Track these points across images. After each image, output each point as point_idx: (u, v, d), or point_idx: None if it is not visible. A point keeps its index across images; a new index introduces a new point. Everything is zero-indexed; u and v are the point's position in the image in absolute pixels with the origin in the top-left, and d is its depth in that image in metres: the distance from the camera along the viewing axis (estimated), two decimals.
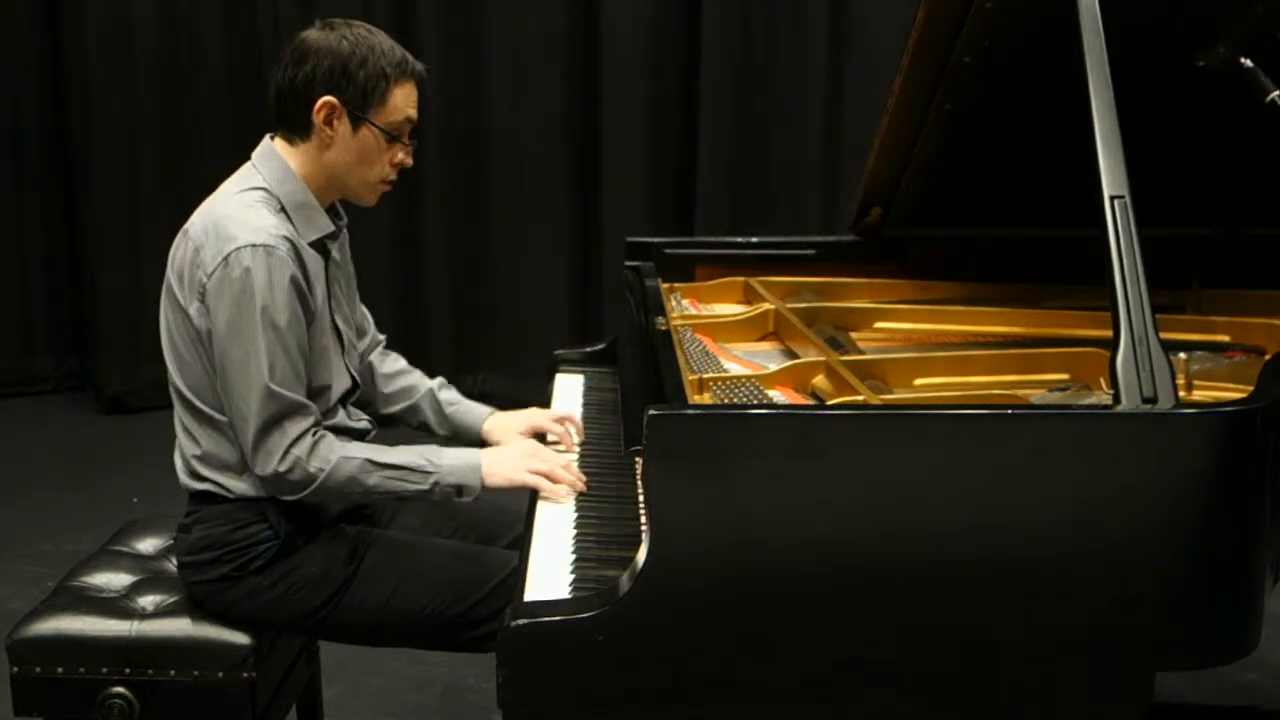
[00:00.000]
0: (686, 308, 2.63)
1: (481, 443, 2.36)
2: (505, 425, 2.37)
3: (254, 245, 1.96)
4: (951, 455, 1.60)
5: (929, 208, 2.73)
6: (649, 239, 2.88)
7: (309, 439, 2.01)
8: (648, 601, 1.58)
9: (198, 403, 2.07)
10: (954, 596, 1.60)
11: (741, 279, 2.76)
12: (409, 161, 2.15)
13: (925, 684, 1.64)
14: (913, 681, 1.64)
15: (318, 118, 2.05)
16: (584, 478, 2.09)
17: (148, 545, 2.36)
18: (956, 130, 2.51)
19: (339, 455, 2.03)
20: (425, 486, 2.07)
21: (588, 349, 2.83)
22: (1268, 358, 2.02)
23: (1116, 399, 1.66)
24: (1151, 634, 1.64)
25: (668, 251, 2.84)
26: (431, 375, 2.50)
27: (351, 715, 2.91)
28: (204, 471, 2.09)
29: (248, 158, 2.13)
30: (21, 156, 5.30)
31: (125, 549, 2.35)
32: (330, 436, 2.05)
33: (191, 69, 5.09)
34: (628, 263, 2.81)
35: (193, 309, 2.01)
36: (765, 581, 1.59)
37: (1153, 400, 1.65)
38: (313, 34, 2.08)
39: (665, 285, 2.66)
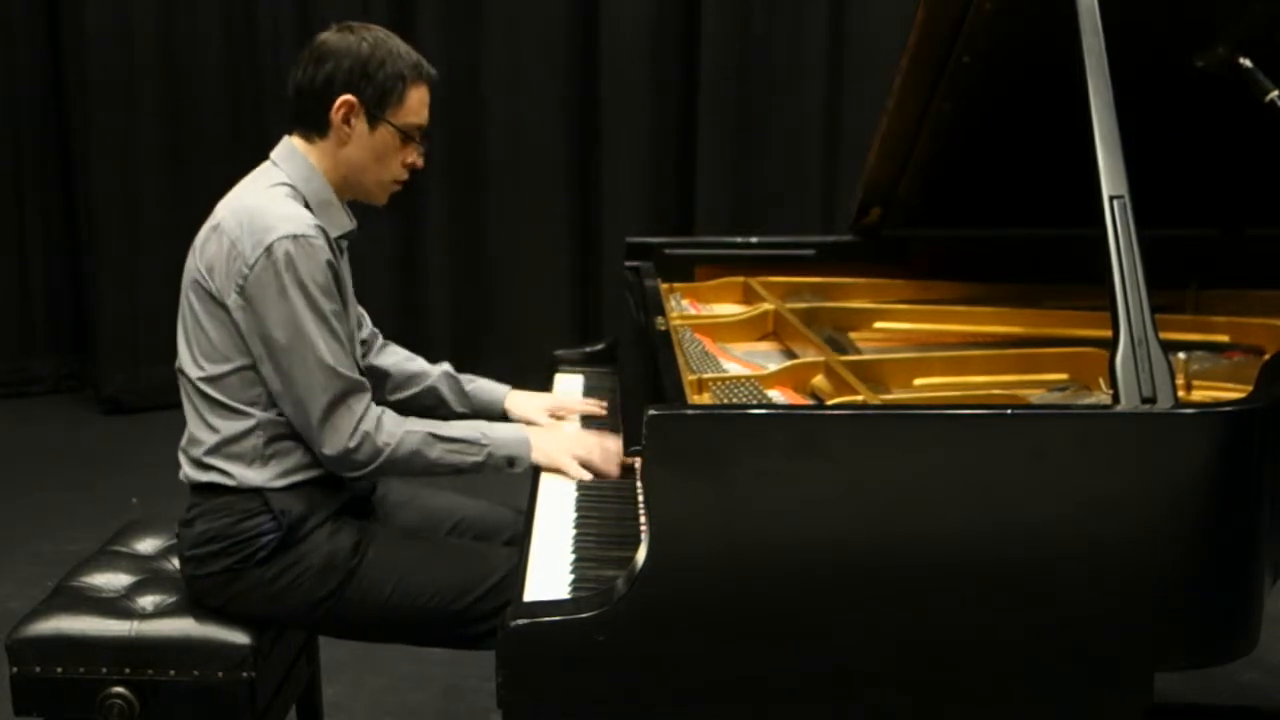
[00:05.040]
0: (686, 308, 2.63)
1: (503, 418, 2.44)
2: (528, 405, 2.46)
3: (295, 235, 2.00)
4: (951, 455, 1.60)
5: (929, 208, 2.73)
6: (649, 239, 2.89)
7: (374, 415, 2.06)
8: (647, 602, 1.58)
9: (216, 393, 2.07)
10: (953, 596, 1.60)
11: (741, 279, 2.76)
12: (420, 163, 2.19)
13: (924, 684, 1.64)
14: (912, 681, 1.64)
15: (336, 116, 2.09)
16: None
17: (147, 545, 2.36)
18: (956, 130, 2.51)
19: (404, 429, 2.08)
20: (480, 459, 2.14)
21: (588, 349, 2.84)
22: (1267, 358, 2.02)
23: (1116, 399, 1.67)
24: (1151, 634, 1.64)
25: (668, 252, 2.85)
26: None
27: (351, 715, 2.91)
28: (213, 461, 2.09)
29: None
30: (21, 156, 5.30)
31: (125, 549, 2.35)
32: (391, 412, 2.11)
33: (191, 69, 5.09)
34: (628, 263, 2.82)
35: (230, 300, 2.03)
36: (764, 581, 1.59)
37: (1152, 400, 1.65)
38: (331, 36, 2.12)
39: (665, 285, 2.66)
